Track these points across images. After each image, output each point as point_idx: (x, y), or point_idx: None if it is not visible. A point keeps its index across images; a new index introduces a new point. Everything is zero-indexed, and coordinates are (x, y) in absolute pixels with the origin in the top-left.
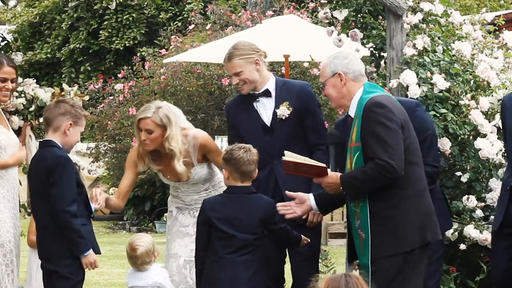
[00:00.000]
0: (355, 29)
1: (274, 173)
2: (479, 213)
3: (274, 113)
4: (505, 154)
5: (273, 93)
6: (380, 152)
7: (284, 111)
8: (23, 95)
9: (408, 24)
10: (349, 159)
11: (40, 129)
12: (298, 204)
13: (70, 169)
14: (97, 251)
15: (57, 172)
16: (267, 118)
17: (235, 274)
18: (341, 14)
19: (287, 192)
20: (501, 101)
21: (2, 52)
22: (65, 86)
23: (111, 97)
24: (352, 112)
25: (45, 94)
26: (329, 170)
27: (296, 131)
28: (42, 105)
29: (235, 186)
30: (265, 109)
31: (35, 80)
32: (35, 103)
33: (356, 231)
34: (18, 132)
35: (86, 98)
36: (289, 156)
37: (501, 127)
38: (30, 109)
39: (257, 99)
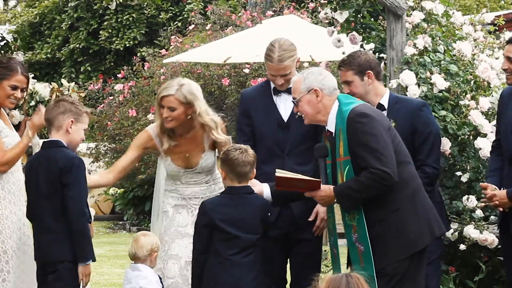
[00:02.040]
0: (354, 32)
1: (284, 168)
2: (479, 213)
3: (293, 110)
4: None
5: None
6: (373, 161)
7: None
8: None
9: (410, 24)
10: (339, 174)
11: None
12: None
13: (83, 171)
14: (93, 259)
15: (72, 174)
16: (285, 113)
17: (240, 275)
18: (341, 16)
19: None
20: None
21: (2, 52)
22: (64, 81)
23: (111, 97)
24: (331, 127)
25: (44, 89)
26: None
27: (310, 131)
28: (41, 100)
29: (234, 186)
30: (285, 104)
31: (32, 75)
32: (34, 98)
33: (353, 245)
34: (17, 127)
35: (83, 94)
36: (281, 172)
37: (497, 120)
38: (31, 104)
39: (280, 94)
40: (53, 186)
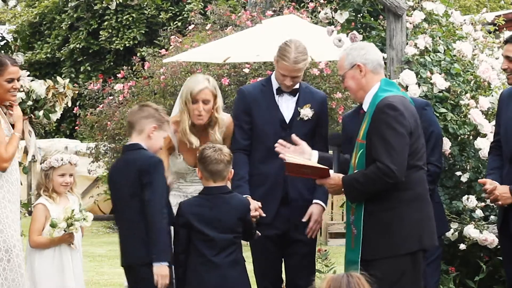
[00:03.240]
0: (354, 31)
1: (284, 168)
2: (479, 213)
3: (295, 112)
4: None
5: (297, 93)
6: (384, 156)
7: (308, 112)
8: (21, 89)
9: (411, 23)
10: (354, 154)
11: (40, 124)
12: (300, 152)
13: (162, 171)
14: (169, 262)
15: (151, 174)
16: (287, 114)
17: (224, 275)
18: (341, 17)
19: (293, 136)
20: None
21: (3, 52)
22: (59, 79)
23: (111, 97)
24: (365, 106)
25: (40, 87)
26: (331, 171)
27: (310, 132)
28: (38, 99)
29: (210, 187)
30: (287, 105)
31: (28, 73)
32: (31, 96)
33: (349, 226)
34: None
35: (76, 91)
36: (291, 157)
37: (496, 120)
38: (28, 103)
39: (282, 94)
40: (133, 187)
